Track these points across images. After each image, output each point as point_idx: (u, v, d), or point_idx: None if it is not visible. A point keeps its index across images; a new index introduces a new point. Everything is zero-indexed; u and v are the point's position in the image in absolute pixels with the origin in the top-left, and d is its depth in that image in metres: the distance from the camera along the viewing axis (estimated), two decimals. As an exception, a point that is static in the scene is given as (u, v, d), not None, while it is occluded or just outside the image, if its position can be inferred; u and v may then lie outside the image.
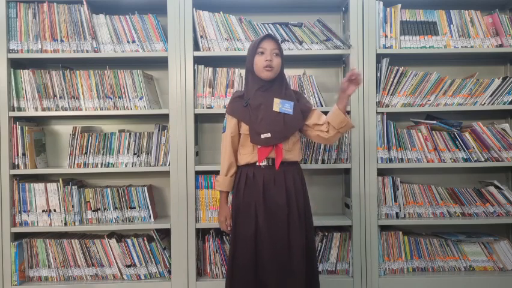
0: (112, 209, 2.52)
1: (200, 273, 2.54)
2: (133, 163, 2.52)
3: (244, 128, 2.01)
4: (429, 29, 2.54)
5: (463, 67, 2.74)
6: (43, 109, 2.49)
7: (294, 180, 2.01)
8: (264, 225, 1.95)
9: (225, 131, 2.07)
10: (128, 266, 2.52)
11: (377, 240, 2.50)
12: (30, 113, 2.49)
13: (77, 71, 2.50)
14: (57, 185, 2.49)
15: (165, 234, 2.57)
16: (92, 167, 2.50)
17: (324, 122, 2.03)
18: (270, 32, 2.50)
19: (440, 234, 2.63)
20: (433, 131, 2.53)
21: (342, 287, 2.49)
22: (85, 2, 2.46)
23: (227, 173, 2.06)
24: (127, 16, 2.51)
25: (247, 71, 2.06)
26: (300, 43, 2.51)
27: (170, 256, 2.49)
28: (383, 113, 2.51)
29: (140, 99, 2.50)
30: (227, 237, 2.50)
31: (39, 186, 2.49)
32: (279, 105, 1.98)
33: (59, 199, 2.49)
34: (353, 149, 2.49)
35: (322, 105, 2.51)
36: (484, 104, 2.54)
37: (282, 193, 1.97)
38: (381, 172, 2.54)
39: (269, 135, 1.96)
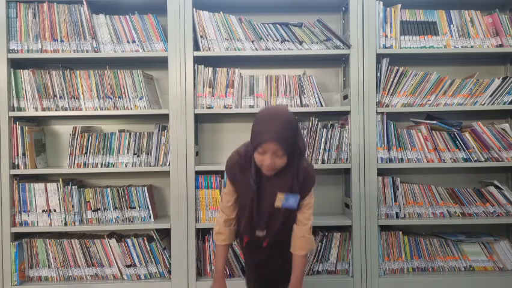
0: (112, 209, 2.52)
1: (200, 273, 2.54)
2: (133, 163, 2.52)
3: None
4: (429, 29, 2.54)
5: (463, 67, 2.74)
6: (43, 109, 2.49)
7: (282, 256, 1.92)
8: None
9: (225, 187, 1.93)
10: (128, 266, 2.52)
11: (377, 240, 2.50)
12: (30, 113, 2.49)
13: (77, 71, 2.50)
14: (57, 185, 2.49)
15: (165, 234, 2.57)
16: (92, 167, 2.50)
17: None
18: (270, 32, 2.50)
19: (440, 234, 2.63)
20: (433, 131, 2.53)
21: (342, 287, 2.49)
22: (85, 2, 2.46)
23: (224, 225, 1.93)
24: (127, 16, 2.50)
25: (251, 144, 1.76)
26: (300, 43, 2.51)
27: (170, 256, 2.49)
28: (383, 113, 2.51)
29: (140, 99, 2.50)
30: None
31: (39, 186, 2.49)
32: (283, 200, 1.79)
33: (59, 199, 2.49)
34: (353, 149, 2.49)
35: (322, 105, 2.51)
36: (484, 104, 2.54)
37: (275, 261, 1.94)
38: (381, 172, 2.54)
39: (264, 232, 1.86)
